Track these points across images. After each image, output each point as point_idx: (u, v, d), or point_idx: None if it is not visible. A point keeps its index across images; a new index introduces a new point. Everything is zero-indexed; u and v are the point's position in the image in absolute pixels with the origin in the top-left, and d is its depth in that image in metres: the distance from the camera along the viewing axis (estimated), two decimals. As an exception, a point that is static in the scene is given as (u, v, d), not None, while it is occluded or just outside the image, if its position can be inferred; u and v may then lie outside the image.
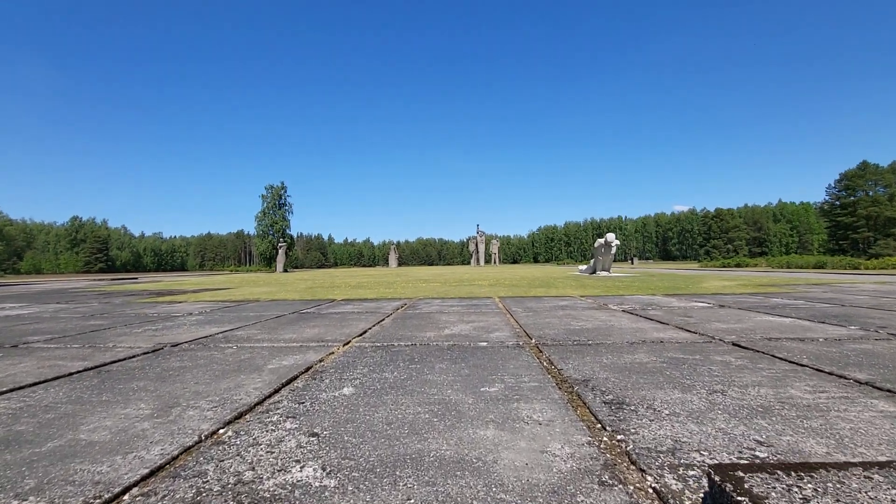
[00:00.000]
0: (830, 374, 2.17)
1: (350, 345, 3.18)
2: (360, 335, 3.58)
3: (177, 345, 3.30)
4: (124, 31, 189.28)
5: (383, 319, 4.53)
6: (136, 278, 26.59)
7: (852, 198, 50.78)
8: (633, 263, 52.34)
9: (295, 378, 2.25)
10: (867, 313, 4.48)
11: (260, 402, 1.86)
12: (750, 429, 1.48)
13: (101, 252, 73.17)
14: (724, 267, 28.83)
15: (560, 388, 1.99)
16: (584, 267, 19.52)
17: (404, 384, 2.09)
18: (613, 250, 16.15)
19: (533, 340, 3.21)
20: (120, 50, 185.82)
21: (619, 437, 1.44)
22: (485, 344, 3.10)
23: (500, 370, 2.34)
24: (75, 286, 15.87)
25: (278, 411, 1.74)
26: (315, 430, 1.52)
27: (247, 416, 1.70)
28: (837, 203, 52.71)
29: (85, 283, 18.87)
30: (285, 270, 39.65)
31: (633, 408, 1.70)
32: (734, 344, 2.97)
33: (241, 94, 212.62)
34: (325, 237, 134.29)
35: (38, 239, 76.32)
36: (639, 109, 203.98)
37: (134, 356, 2.90)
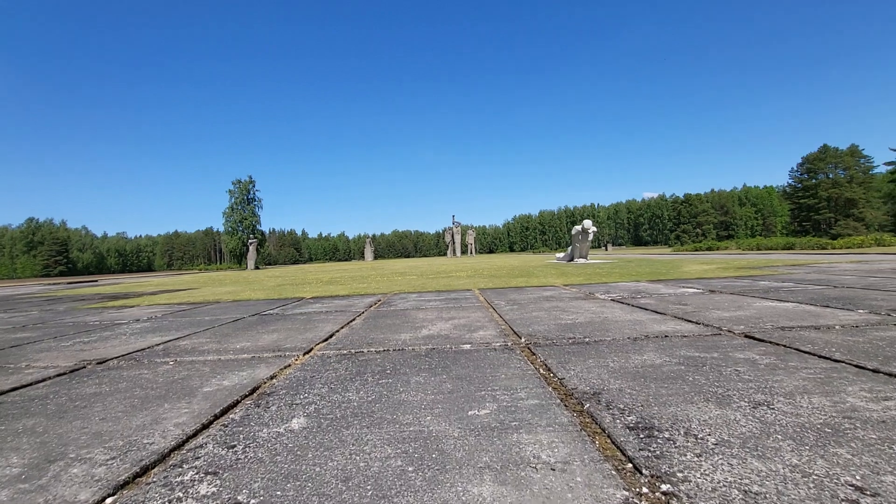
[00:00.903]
0: (877, 372, 1.84)
1: (312, 354, 2.72)
2: (325, 340, 3.11)
3: (104, 362, 2.77)
4: (79, 23, 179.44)
5: (354, 319, 4.07)
6: (97, 281, 25.17)
7: (814, 180, 52.57)
8: (607, 250, 52.98)
9: (233, 406, 1.78)
10: (866, 295, 4.27)
11: (177, 447, 1.40)
12: (832, 464, 1.10)
13: (61, 255, 69.70)
14: (697, 251, 29.27)
15: (567, 407, 1.59)
16: (561, 255, 19.38)
17: (372, 409, 1.65)
18: (591, 237, 16.01)
19: (522, 340, 2.81)
20: (74, 44, 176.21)
21: (663, 486, 1.04)
22: (468, 346, 2.69)
23: (490, 382, 1.93)
24: (25, 292, 14.76)
25: (197, 462, 1.29)
26: (239, 498, 1.07)
27: (152, 473, 1.24)
28: (800, 186, 54.49)
29: (38, 288, 17.64)
30: (257, 268, 38.42)
31: (667, 435, 1.31)
32: (747, 336, 2.65)
33: (208, 88, 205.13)
34: (299, 232, 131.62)
35: (-10, 243, 72.07)
36: (608, 98, 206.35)
37: (44, 380, 2.37)
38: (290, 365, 2.45)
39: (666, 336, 2.74)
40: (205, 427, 1.57)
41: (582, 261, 15.89)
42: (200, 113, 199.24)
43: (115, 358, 2.86)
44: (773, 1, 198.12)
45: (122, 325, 4.49)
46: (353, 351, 2.71)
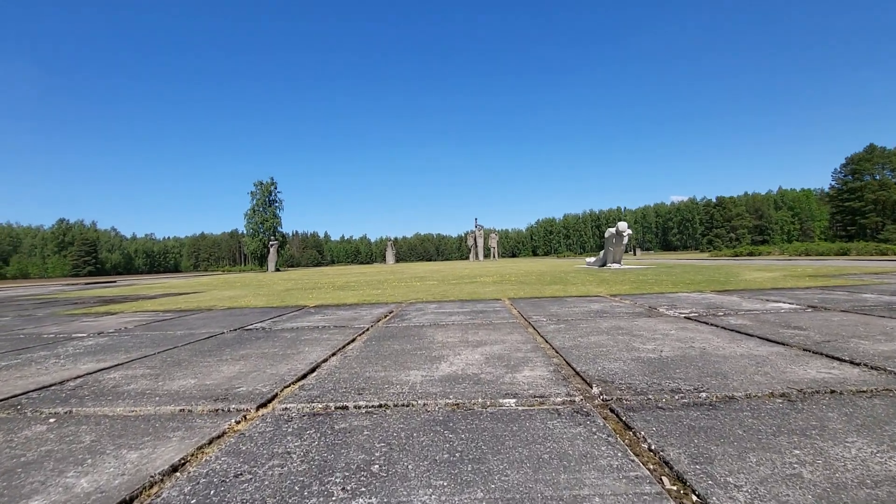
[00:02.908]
0: None
1: (269, 409, 1.77)
2: (301, 380, 2.16)
3: (-30, 410, 1.87)
4: (108, 24, 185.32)
5: (353, 341, 3.12)
6: (115, 281, 25.06)
7: (859, 182, 49.38)
8: (635, 254, 50.96)
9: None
10: None
11: None
12: None
13: (90, 255, 71.38)
14: (737, 256, 27.37)
15: None
16: (591, 259, 18.13)
17: None
18: (626, 240, 14.78)
19: (595, 390, 1.80)
20: (104, 45, 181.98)
21: None
22: (512, 402, 1.69)
23: (575, 519, 0.93)
24: (34, 293, 14.40)
25: None
26: None
27: None
28: (843, 188, 51.29)
29: (52, 289, 17.39)
30: (277, 270, 38.13)
31: None
32: (983, 396, 1.57)
33: (234, 90, 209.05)
34: (322, 235, 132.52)
35: (24, 243, 74.35)
36: (634, 100, 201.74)
37: None
38: (221, 436, 1.49)
39: (832, 391, 1.69)
40: None
41: (616, 266, 14.68)
42: (227, 114, 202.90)
43: (-5, 403, 1.96)
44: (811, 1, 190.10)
45: (74, 342, 3.65)
46: (331, 406, 1.74)
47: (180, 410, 1.77)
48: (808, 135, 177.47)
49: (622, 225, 14.39)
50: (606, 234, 15.09)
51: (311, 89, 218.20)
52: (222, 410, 1.75)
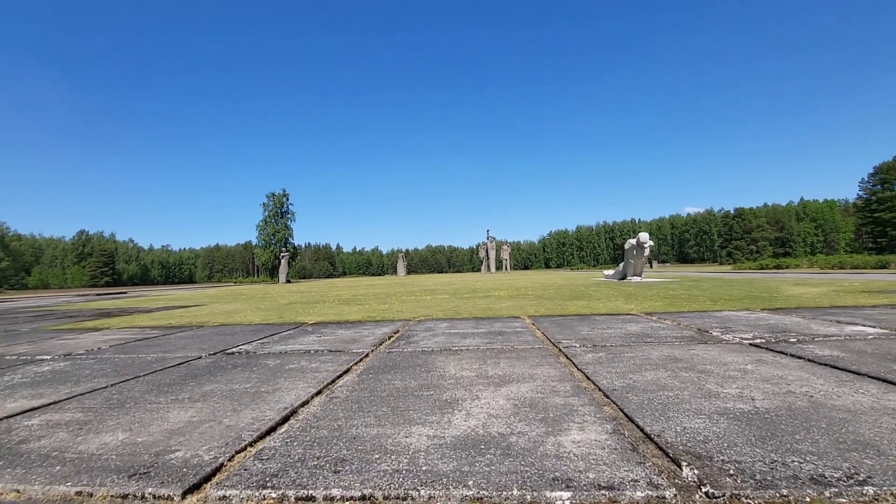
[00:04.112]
0: None
1: (203, 493, 1.20)
2: (265, 436, 1.59)
3: None
4: (126, 38, 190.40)
5: (346, 372, 2.55)
6: (125, 293, 24.94)
7: (889, 192, 47.53)
8: (651, 266, 49.73)
9: None
10: None
11: None
12: None
13: (108, 266, 72.25)
14: (763, 269, 26.16)
15: None
16: (610, 272, 17.40)
17: None
18: (647, 252, 14.07)
19: (687, 473, 1.20)
20: (123, 58, 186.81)
21: None
22: (566, 499, 1.09)
23: None
24: (41, 303, 14.15)
25: None
26: None
27: None
28: (873, 198, 49.43)
29: (60, 300, 17.19)
30: (288, 281, 37.84)
31: None
32: None
33: (248, 103, 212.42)
34: (334, 247, 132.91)
35: (45, 254, 75.68)
36: (647, 111, 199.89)
37: None
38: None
39: None
40: None
41: (637, 279, 13.95)
42: (238, 126, 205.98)
43: None
44: (832, 4, 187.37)
45: (29, 367, 3.15)
46: (290, 497, 1.16)
47: (76, 494, 1.22)
48: (831, 144, 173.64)
49: (643, 236, 13.68)
50: (626, 246, 14.38)
51: (325, 101, 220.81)
52: (132, 498, 1.18)
